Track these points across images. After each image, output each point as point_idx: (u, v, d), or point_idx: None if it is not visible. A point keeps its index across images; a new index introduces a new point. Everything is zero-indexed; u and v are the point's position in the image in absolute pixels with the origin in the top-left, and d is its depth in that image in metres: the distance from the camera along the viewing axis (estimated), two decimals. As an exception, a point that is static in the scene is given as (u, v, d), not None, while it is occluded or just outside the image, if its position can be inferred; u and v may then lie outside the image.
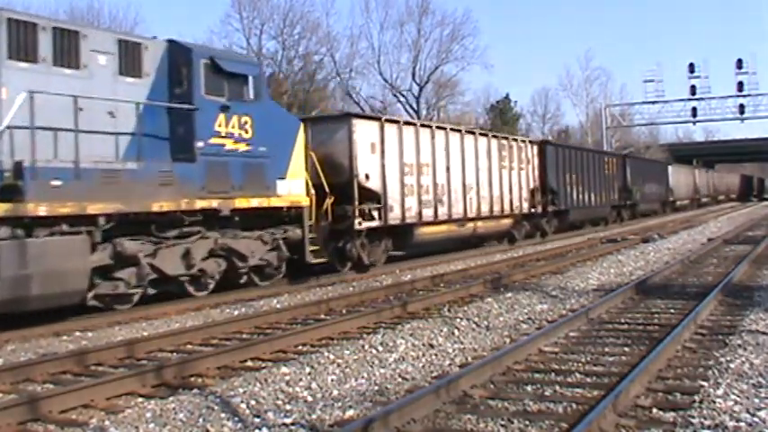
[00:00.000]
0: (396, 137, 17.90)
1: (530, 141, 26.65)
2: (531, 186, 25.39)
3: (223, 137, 12.94)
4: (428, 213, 18.93)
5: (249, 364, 8.18)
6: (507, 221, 23.77)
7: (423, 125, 19.75)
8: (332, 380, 7.22)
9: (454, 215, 20.13)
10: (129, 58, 11.96)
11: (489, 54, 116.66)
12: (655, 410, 5.91)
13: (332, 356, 7.94)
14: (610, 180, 34.93)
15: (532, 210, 25.34)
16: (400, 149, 17.92)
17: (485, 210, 21.89)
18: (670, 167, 50.92)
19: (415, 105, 51.88)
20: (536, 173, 25.94)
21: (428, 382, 7.15)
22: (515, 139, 25.42)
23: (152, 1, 76.21)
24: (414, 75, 51.82)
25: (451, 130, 21.03)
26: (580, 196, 30.24)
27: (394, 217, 17.61)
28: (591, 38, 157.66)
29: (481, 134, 22.78)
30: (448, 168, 19.86)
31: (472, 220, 21.20)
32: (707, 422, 5.50)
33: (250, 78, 13.70)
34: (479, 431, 5.64)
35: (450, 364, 7.93)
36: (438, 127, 20.46)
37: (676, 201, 52.10)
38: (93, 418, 6.27)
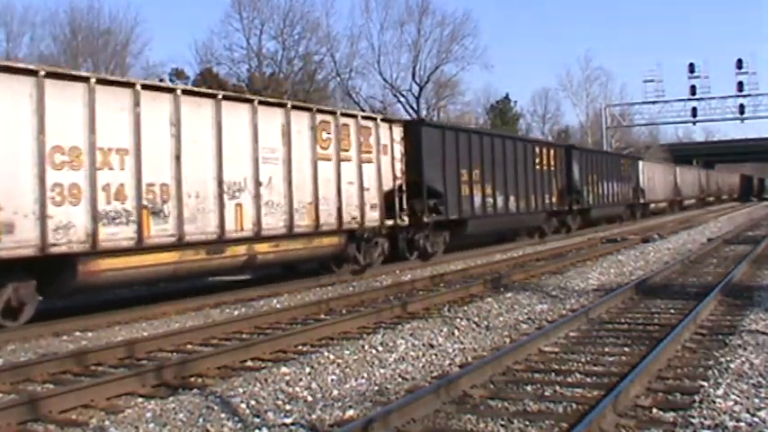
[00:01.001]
0: (24, 102, 10.12)
1: (384, 120, 18.01)
2: (388, 188, 17.26)
3: None
4: (119, 234, 11.16)
5: (249, 364, 8.18)
6: (332, 241, 15.65)
7: (104, 81, 11.54)
8: (332, 380, 7.23)
9: (193, 235, 12.14)
10: None
11: (489, 54, 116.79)
12: (655, 410, 5.91)
13: (332, 356, 7.94)
14: (545, 178, 26.76)
15: (391, 221, 17.35)
16: (40, 124, 10.18)
17: (277, 224, 13.92)
18: (641, 163, 42.66)
19: (415, 105, 51.93)
20: (399, 167, 17.75)
21: (428, 382, 7.15)
22: (353, 116, 16.85)
23: (152, 1, 76.21)
24: (414, 75, 51.89)
25: (187, 93, 12.81)
26: (488, 200, 22.25)
27: (15, 243, 9.83)
28: (591, 38, 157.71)
29: (265, 103, 14.31)
30: (178, 157, 11.97)
31: (245, 241, 13.31)
32: (707, 422, 5.50)
33: None
34: (479, 431, 5.64)
35: (450, 364, 7.93)
36: (151, 87, 12.37)
37: (650, 204, 44.09)
38: (93, 418, 6.27)
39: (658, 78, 57.11)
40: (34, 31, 44.38)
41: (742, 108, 53.81)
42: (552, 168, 27.59)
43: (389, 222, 17.34)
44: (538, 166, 26.23)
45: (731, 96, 54.29)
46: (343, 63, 49.43)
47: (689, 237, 25.33)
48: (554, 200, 27.54)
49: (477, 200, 21.58)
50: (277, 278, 15.72)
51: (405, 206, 17.83)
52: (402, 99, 52.43)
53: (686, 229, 29.59)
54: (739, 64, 52.56)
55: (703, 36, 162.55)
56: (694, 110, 55.87)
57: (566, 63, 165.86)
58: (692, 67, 53.86)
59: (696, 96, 54.61)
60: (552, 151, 28.16)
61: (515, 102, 68.43)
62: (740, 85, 52.76)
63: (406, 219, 17.89)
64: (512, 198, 23.90)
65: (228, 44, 46.28)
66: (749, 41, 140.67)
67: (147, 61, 46.34)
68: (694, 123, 62.40)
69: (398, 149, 17.89)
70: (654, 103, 58.10)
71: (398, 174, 17.78)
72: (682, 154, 77.59)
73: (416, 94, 52.13)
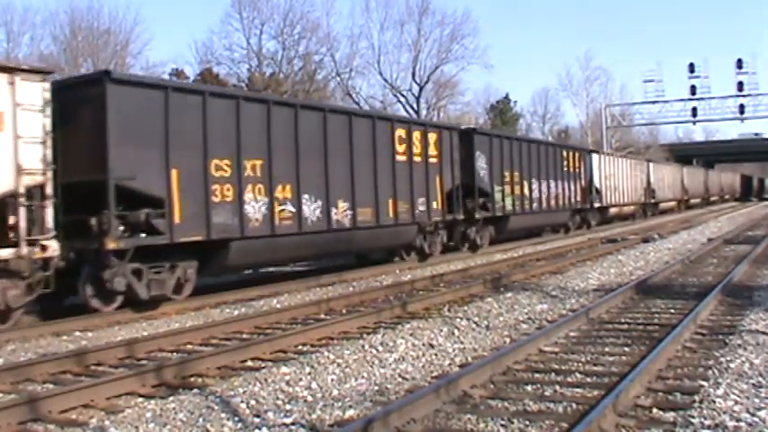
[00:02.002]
0: None
1: None
2: None
3: None
4: None
5: (249, 364, 8.19)
6: None
7: None
8: (332, 380, 7.23)
9: None
10: None
11: (489, 54, 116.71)
12: (655, 410, 5.91)
13: (332, 356, 7.94)
14: (418, 176, 18.36)
15: (6, 252, 10.08)
16: None
17: None
18: (595, 157, 33.73)
19: (415, 105, 51.89)
20: (36, 155, 10.38)
21: (428, 382, 7.15)
22: None
23: (152, 1, 76.18)
24: (414, 75, 51.82)
25: None
26: (285, 209, 14.14)
27: None
28: (591, 38, 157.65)
29: None
30: None
31: None
32: (707, 422, 5.50)
33: None
34: (479, 431, 5.64)
35: (450, 364, 7.93)
36: None
37: (609, 208, 35.38)
38: (93, 418, 6.28)
39: (658, 78, 56.96)
40: (34, 31, 44.47)
41: (742, 108, 53.75)
42: (433, 161, 19.23)
43: None
44: (402, 157, 17.97)
45: (731, 96, 54.20)
46: (343, 63, 49.43)
47: (689, 237, 25.33)
48: (435, 206, 19.15)
49: (255, 209, 13.44)
50: (277, 278, 15.72)
51: (49, 224, 10.47)
52: (402, 99, 52.49)
53: (686, 229, 29.61)
54: (739, 64, 52.48)
55: (703, 36, 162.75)
56: (694, 110, 55.80)
57: (566, 63, 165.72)
58: (692, 67, 53.78)
59: (696, 96, 54.54)
60: (433, 136, 19.44)
61: (515, 102, 68.62)
62: (740, 85, 52.66)
63: (51, 246, 10.44)
64: (341, 205, 15.69)
65: (228, 44, 46.23)
66: (749, 41, 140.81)
67: (147, 61, 46.21)
68: (694, 123, 62.37)
69: (31, 122, 10.30)
70: (654, 103, 58.01)
71: (29, 164, 10.24)
72: (682, 154, 77.61)
73: (416, 94, 52.12)
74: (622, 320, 9.99)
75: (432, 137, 19.41)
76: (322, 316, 11.43)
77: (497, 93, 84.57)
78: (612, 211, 36.28)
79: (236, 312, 12.08)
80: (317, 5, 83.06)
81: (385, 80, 51.99)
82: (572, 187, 29.70)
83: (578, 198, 30.66)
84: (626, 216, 39.45)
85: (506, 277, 14.68)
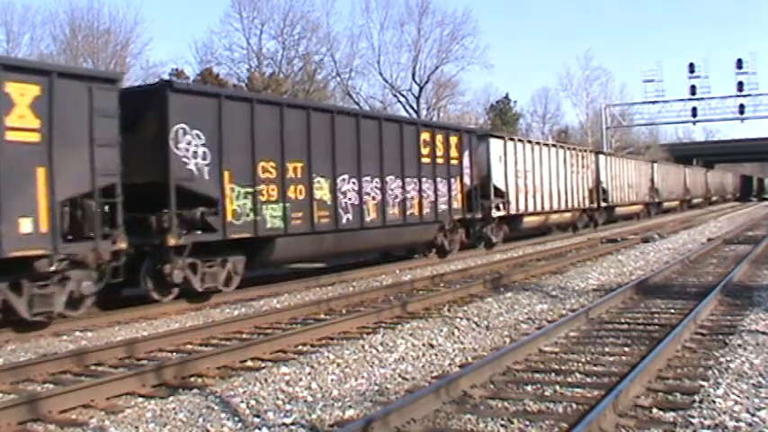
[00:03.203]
0: None
1: None
2: None
3: None
4: None
5: (249, 364, 8.19)
6: None
7: None
8: (332, 380, 7.23)
9: None
10: None
11: (489, 54, 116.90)
12: (655, 410, 5.91)
13: (332, 356, 7.95)
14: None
15: None
16: None
17: None
18: (493, 143, 22.91)
19: (415, 105, 51.87)
20: None
21: (428, 382, 7.15)
22: None
23: (152, 1, 76.12)
24: (414, 75, 51.80)
25: None
26: None
27: None
28: (591, 37, 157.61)
29: None
30: None
31: None
32: (707, 422, 5.50)
33: None
34: (479, 431, 5.64)
35: (450, 364, 7.93)
36: None
37: (522, 217, 24.54)
38: (93, 418, 6.28)
39: (658, 78, 56.91)
40: (34, 31, 44.45)
41: (742, 108, 53.73)
42: (29, 140, 9.77)
43: None
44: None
45: (731, 96, 54.19)
46: (343, 63, 49.43)
47: (689, 237, 25.34)
48: (30, 228, 9.64)
49: None
50: (277, 278, 15.72)
51: None
52: (402, 99, 52.46)
53: (686, 229, 29.63)
54: (739, 64, 52.46)
55: (703, 36, 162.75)
56: (694, 110, 55.79)
57: (566, 63, 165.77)
58: (692, 67, 53.77)
59: (696, 96, 54.53)
60: (30, 91, 9.77)
61: (515, 102, 68.47)
62: (740, 85, 52.65)
63: None
64: None
65: (228, 44, 46.20)
66: (749, 41, 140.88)
67: (147, 61, 46.27)
68: (694, 123, 62.37)
69: None
70: (654, 103, 57.97)
71: None
72: (682, 154, 77.60)
73: (416, 94, 52.08)
74: (622, 320, 9.99)
75: (19, 91, 9.68)
76: (322, 316, 11.43)
77: (497, 93, 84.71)
78: (529, 221, 25.40)
79: (236, 312, 12.08)
80: (317, 5, 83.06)
81: (385, 80, 52.03)
82: (443, 188, 19.47)
83: (457, 204, 20.22)
84: (563, 226, 29.62)
85: (506, 277, 14.68)
